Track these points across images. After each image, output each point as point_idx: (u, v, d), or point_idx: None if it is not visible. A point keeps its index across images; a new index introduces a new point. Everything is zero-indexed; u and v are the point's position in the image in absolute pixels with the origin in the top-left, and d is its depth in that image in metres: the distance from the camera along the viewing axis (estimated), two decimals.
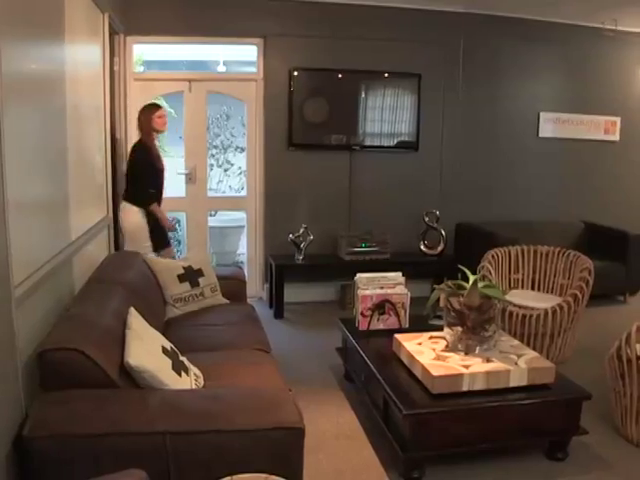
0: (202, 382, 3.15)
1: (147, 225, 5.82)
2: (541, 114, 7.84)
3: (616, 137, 8.19)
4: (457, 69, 7.36)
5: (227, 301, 4.93)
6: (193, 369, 3.17)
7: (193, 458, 2.41)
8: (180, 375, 2.93)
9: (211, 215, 7.59)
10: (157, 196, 5.88)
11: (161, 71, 7.55)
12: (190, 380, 3.01)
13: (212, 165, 9.13)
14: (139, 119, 5.88)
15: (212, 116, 8.89)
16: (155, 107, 5.91)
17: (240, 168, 8.92)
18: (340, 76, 6.96)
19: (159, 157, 5.95)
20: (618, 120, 8.16)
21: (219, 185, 9.26)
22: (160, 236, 5.93)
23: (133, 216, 5.78)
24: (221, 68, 8.38)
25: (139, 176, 5.78)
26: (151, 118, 5.80)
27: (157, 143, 6.07)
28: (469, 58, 7.37)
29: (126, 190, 5.89)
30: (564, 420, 3.73)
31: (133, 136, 6.53)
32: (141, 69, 7.24)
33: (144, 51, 7.33)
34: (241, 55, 7.78)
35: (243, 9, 6.61)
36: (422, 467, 3.49)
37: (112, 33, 5.76)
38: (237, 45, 7.29)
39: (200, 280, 4.80)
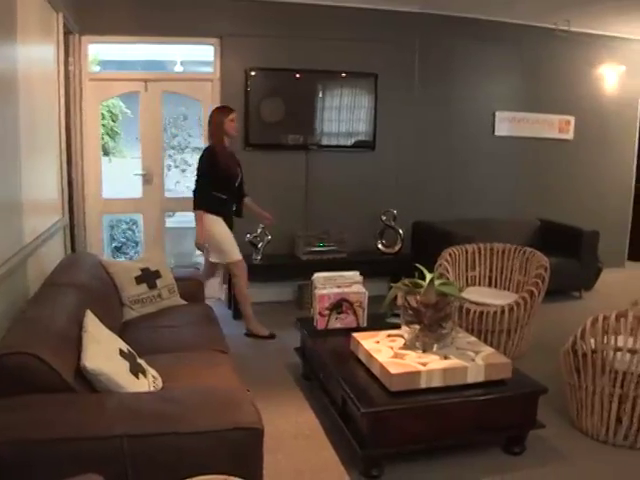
0: (160, 384, 3.13)
1: (229, 231, 5.77)
2: (497, 113, 7.93)
3: (570, 136, 8.33)
4: (413, 69, 7.41)
5: (185, 302, 4.91)
6: (151, 371, 3.15)
7: (151, 461, 2.39)
8: (138, 377, 2.92)
9: (169, 216, 7.53)
10: (227, 203, 5.78)
11: (117, 71, 7.48)
12: (148, 382, 2.99)
13: (170, 166, 9.08)
14: (211, 122, 5.73)
15: (169, 116, 8.84)
16: (228, 110, 5.75)
17: None
18: (297, 76, 6.96)
19: (232, 162, 5.79)
20: (572, 119, 8.30)
21: (177, 186, 9.21)
22: None
23: (213, 223, 5.68)
24: (178, 68, 8.34)
25: (199, 180, 5.67)
26: (224, 122, 5.65)
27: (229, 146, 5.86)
28: (425, 58, 7.43)
29: (198, 198, 5.72)
30: (521, 415, 3.79)
31: (89, 136, 6.47)
32: (97, 69, 7.18)
33: (100, 51, 7.26)
34: (199, 55, 7.75)
35: (199, 9, 6.58)
36: (381, 465, 3.51)
37: (67, 33, 5.69)
38: (193, 45, 7.27)
39: (157, 281, 4.77)
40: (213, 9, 6.63)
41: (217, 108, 5.82)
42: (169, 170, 8.92)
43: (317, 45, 6.95)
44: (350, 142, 7.31)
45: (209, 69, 7.02)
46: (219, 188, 5.65)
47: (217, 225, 5.68)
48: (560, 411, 4.29)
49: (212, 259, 5.91)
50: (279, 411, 4.29)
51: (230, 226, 5.81)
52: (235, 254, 5.79)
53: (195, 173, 5.76)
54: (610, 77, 8.43)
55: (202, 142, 7.25)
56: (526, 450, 3.81)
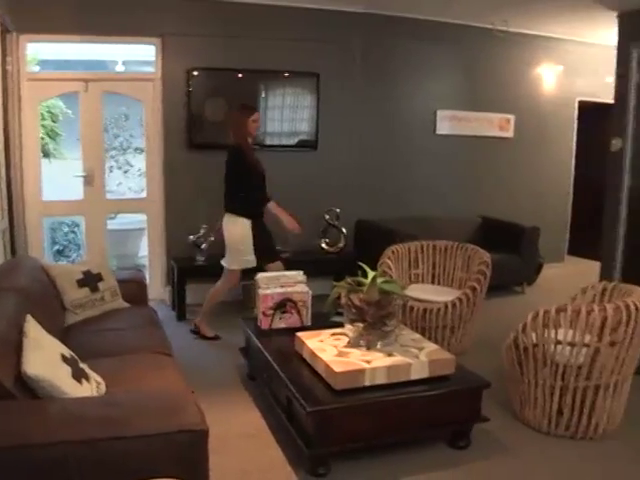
0: (104, 389, 3.10)
1: (251, 236, 5.56)
2: (438, 112, 8.03)
3: (510, 134, 8.48)
4: (355, 69, 7.45)
5: (128, 305, 4.86)
6: (94, 376, 3.12)
7: (97, 467, 2.37)
8: (81, 383, 2.89)
9: (111, 218, 7.45)
10: (259, 203, 5.60)
11: (56, 71, 7.35)
12: (91, 387, 2.96)
13: (112, 167, 8.98)
14: (233, 121, 5.61)
15: (111, 117, 8.74)
16: (251, 110, 5.62)
17: (140, 170, 8.79)
18: (240, 76, 6.95)
19: (258, 160, 5.64)
20: (512, 118, 8.45)
21: (119, 187, 9.11)
22: (266, 248, 5.64)
23: (236, 227, 5.55)
24: (120, 68, 8.24)
25: (232, 181, 5.53)
26: (247, 122, 5.51)
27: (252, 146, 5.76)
28: (367, 58, 7.49)
29: (228, 200, 5.61)
30: (465, 409, 3.86)
31: (28, 137, 6.36)
32: (37, 69, 7.04)
33: (39, 50, 7.12)
34: (140, 55, 7.65)
35: (140, 8, 6.51)
36: (328, 463, 3.53)
37: (4, 31, 5.61)
38: (135, 44, 7.18)
39: (100, 284, 4.72)
40: (154, 8, 6.57)
41: (239, 108, 5.68)
42: (111, 171, 8.82)
43: (260, 45, 6.94)
44: (293, 142, 7.33)
45: (151, 69, 6.95)
46: (250, 187, 5.53)
47: (244, 230, 5.55)
48: (504, 404, 4.37)
49: (222, 262, 5.76)
50: (225, 412, 4.29)
51: (263, 227, 5.68)
52: (239, 264, 5.65)
53: (225, 176, 5.63)
54: (548, 77, 8.62)
55: (143, 143, 7.18)
56: (471, 444, 3.88)
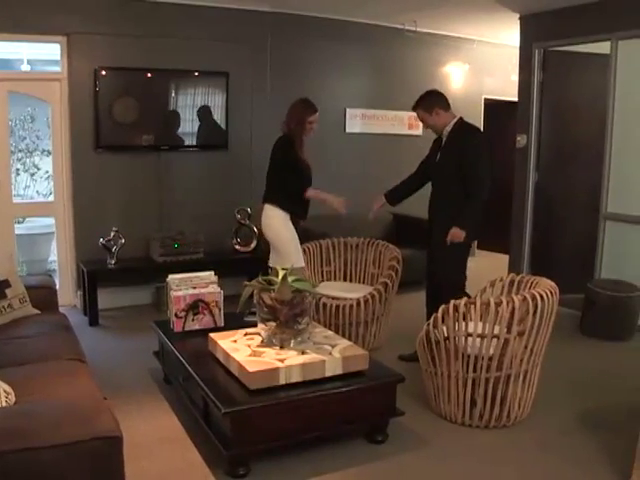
0: (13, 399, 3.04)
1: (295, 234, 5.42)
2: (347, 110, 8.11)
3: (419, 132, 8.59)
4: (265, 68, 7.48)
5: (38, 311, 4.74)
6: (3, 386, 3.05)
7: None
8: None
9: (19, 222, 7.26)
10: (301, 203, 5.49)
11: None
12: (0, 398, 2.90)
13: (19, 170, 8.77)
14: (293, 113, 5.38)
15: (16, 118, 8.53)
16: (313, 109, 5.42)
17: (47, 172, 8.61)
18: (149, 75, 6.87)
19: (307, 164, 5.52)
20: None
21: (26, 190, 8.90)
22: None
23: (279, 223, 5.40)
24: (25, 67, 8.04)
25: (277, 171, 5.38)
26: (305, 120, 5.34)
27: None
28: (276, 57, 7.53)
29: (273, 192, 5.45)
30: (380, 404, 3.92)
31: None
32: None
33: None
34: (47, 54, 7.47)
35: (44, 5, 6.32)
36: (247, 463, 3.55)
37: None
38: (39, 43, 6.99)
39: (7, 291, 4.59)
40: (59, 5, 6.39)
41: (302, 102, 5.47)
42: (18, 174, 8.61)
43: (169, 44, 6.89)
44: (203, 142, 7.28)
45: (57, 68, 6.77)
46: (295, 183, 5.42)
47: (286, 224, 5.44)
48: (419, 398, 4.47)
49: (270, 262, 5.45)
50: (141, 417, 4.25)
51: (296, 228, 5.54)
52: (299, 260, 5.43)
53: (270, 164, 5.49)
54: (456, 75, 8.84)
55: (50, 145, 7.02)
56: (389, 438, 3.96)
